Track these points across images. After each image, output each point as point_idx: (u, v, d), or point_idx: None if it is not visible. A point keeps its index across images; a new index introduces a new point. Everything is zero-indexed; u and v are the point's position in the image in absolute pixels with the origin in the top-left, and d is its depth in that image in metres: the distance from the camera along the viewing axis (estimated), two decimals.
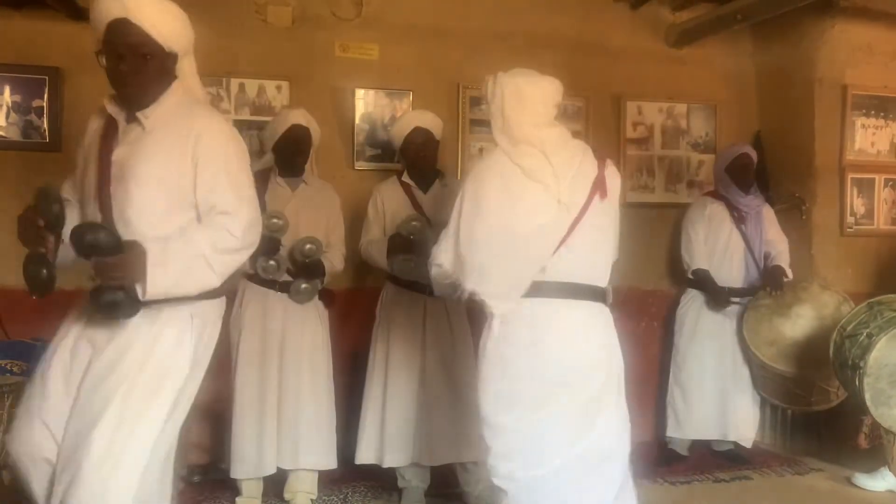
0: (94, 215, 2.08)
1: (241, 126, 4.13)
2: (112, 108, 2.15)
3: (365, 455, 3.56)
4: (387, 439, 3.50)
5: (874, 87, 4.69)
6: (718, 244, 4.18)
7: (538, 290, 2.40)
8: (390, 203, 3.64)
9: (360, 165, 4.35)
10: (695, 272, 4.15)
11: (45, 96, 3.92)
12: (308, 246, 3.44)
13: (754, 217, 4.22)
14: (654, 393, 4.57)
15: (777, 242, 4.26)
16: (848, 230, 4.70)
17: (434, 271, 2.54)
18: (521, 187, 2.43)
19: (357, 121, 4.33)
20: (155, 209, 2.07)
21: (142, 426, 2.03)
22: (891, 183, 4.81)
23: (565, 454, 2.38)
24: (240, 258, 2.16)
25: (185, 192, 2.09)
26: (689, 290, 4.29)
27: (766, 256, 4.23)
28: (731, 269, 4.18)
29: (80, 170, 2.20)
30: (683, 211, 4.47)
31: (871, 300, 3.56)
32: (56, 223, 2.05)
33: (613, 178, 2.53)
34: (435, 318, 3.56)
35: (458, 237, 2.43)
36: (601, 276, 2.49)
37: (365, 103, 4.35)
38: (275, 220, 3.37)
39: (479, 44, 4.46)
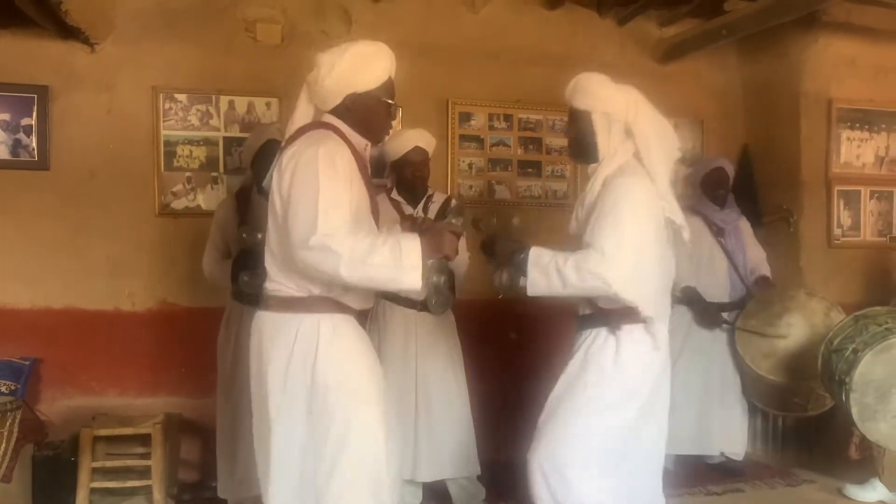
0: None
1: (231, 143, 4.15)
2: (362, 147, 2.36)
3: None
4: None
5: (858, 100, 4.75)
6: (702, 260, 4.14)
7: None
8: (380, 220, 3.63)
9: None
10: (683, 290, 4.14)
11: (34, 114, 3.91)
12: None
13: (733, 231, 4.21)
14: None
15: (756, 253, 4.27)
16: (835, 242, 4.74)
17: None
18: None
19: None
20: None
21: None
22: (876, 195, 4.86)
23: None
24: None
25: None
26: (677, 306, 4.27)
27: (752, 271, 4.23)
28: (716, 285, 4.15)
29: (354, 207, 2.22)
30: None
31: (857, 313, 3.58)
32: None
33: None
34: (426, 334, 3.55)
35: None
36: None
37: None
38: (261, 235, 3.35)
39: (468, 60, 4.49)
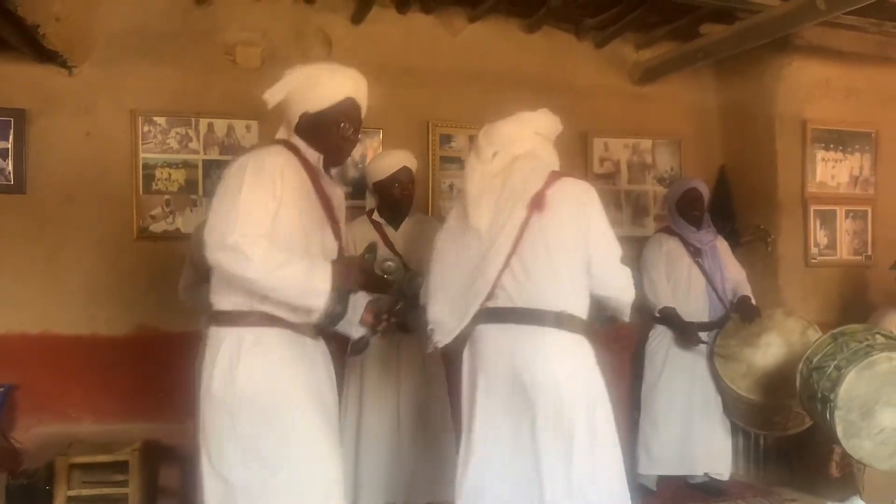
0: (332, 249, 2.39)
1: (210, 166, 4.13)
2: (318, 163, 2.41)
3: None
4: (361, 480, 3.45)
5: (832, 121, 4.82)
6: (680, 280, 4.15)
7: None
8: (362, 241, 3.61)
9: None
10: (661, 311, 4.15)
11: (10, 138, 3.88)
12: None
13: (710, 251, 4.22)
14: (626, 428, 4.56)
15: (736, 273, 4.29)
16: (812, 261, 4.79)
17: None
18: None
19: None
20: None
21: None
22: (851, 214, 4.92)
23: None
24: None
25: None
26: (658, 326, 4.28)
27: (730, 290, 4.25)
28: (695, 305, 4.16)
29: (287, 215, 2.24)
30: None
31: (835, 331, 3.60)
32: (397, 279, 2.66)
33: (562, 192, 2.50)
34: (409, 358, 3.54)
35: None
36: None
37: None
38: None
39: (448, 83, 4.52)
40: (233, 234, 2.08)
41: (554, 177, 2.54)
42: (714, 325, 4.18)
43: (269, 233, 2.15)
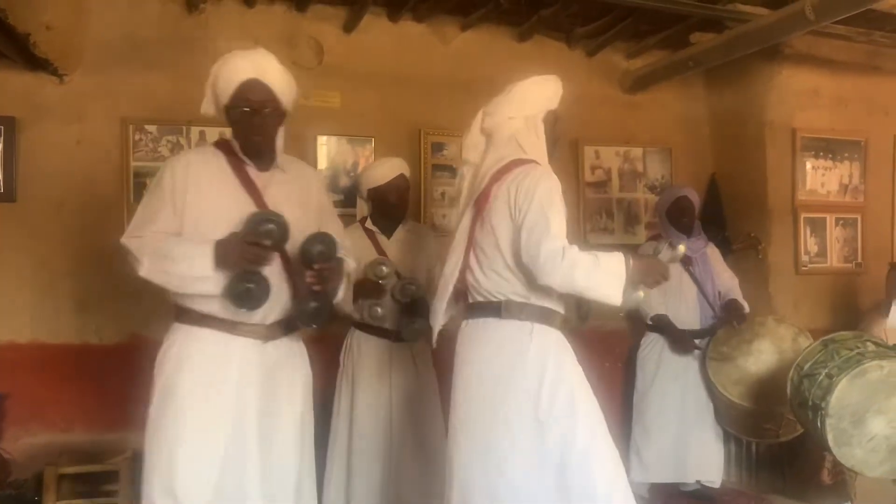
0: None
1: None
2: (244, 158, 2.43)
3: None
4: (353, 488, 3.44)
5: (822, 129, 4.85)
6: (671, 288, 4.11)
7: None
8: (354, 250, 3.59)
9: None
10: (654, 319, 4.15)
11: (1, 146, 3.86)
12: None
13: (701, 259, 4.23)
14: (618, 435, 4.56)
15: (727, 279, 4.31)
16: (802, 268, 4.81)
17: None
18: None
19: (319, 167, 4.33)
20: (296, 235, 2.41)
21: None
22: (841, 222, 4.95)
23: None
24: None
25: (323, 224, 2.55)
26: (650, 333, 4.29)
27: (722, 296, 4.26)
28: (686, 312, 4.17)
29: (196, 211, 2.36)
30: None
31: (825, 338, 3.61)
32: (281, 241, 2.31)
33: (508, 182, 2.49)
34: (401, 364, 3.53)
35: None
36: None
37: (327, 149, 4.36)
38: None
39: (439, 91, 4.53)
40: (126, 238, 2.33)
41: (507, 168, 2.53)
42: (706, 333, 4.19)
43: (164, 231, 2.32)
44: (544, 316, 2.49)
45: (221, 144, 2.49)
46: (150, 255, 2.27)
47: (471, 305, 2.58)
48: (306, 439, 2.60)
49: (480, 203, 2.54)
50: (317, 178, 2.66)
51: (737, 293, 4.25)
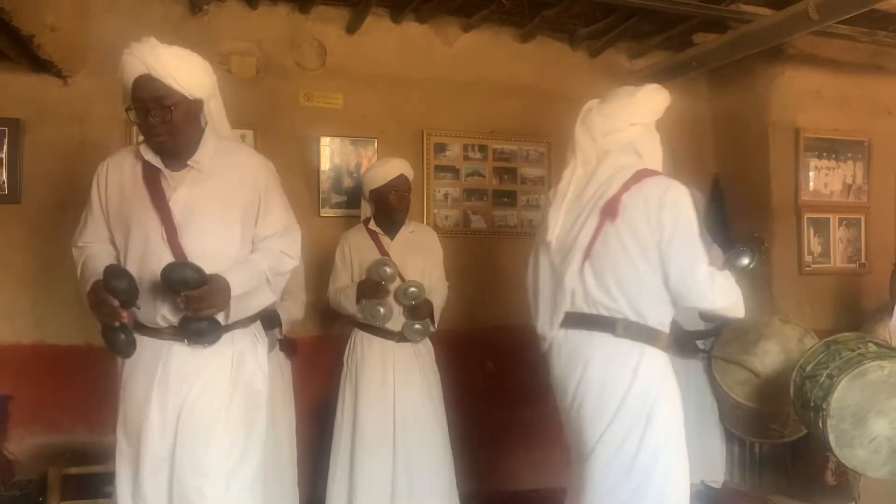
0: (165, 259, 2.25)
1: None
2: (151, 157, 2.33)
3: None
4: (357, 490, 3.45)
5: (825, 129, 4.84)
6: None
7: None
8: (358, 250, 3.64)
9: (326, 213, 4.35)
10: None
11: (5, 148, 3.87)
12: None
13: None
14: None
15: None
16: (806, 269, 4.80)
17: None
18: None
19: (323, 168, 4.34)
20: (229, 246, 2.34)
21: (250, 457, 2.39)
22: (845, 222, 4.94)
23: None
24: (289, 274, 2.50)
25: (251, 225, 2.39)
26: None
27: None
28: (689, 313, 4.16)
29: (118, 218, 2.38)
30: None
31: (828, 339, 3.60)
32: (130, 299, 2.24)
33: (640, 194, 2.42)
34: (405, 365, 3.54)
35: None
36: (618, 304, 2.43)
37: (330, 151, 4.37)
38: None
39: (442, 92, 4.54)
40: (73, 245, 2.49)
41: (636, 178, 2.46)
42: (711, 333, 4.18)
43: (94, 241, 2.42)
44: (653, 337, 2.46)
45: (137, 148, 2.40)
46: (78, 271, 2.43)
47: (575, 316, 2.51)
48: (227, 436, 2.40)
49: (608, 212, 2.44)
50: (255, 168, 2.43)
51: None
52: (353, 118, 4.41)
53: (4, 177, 3.88)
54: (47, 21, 3.53)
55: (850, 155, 4.95)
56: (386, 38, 4.47)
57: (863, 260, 4.99)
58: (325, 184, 4.35)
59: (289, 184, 4.08)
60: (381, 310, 3.48)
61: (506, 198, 4.70)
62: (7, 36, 3.37)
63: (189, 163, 2.33)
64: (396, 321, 3.55)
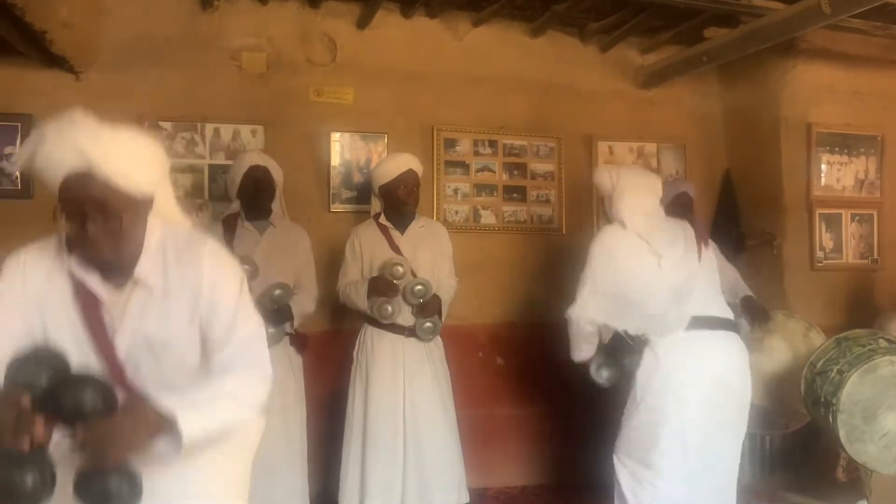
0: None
1: (216, 170, 4.15)
2: (85, 277, 1.72)
3: (348, 500, 3.51)
4: (368, 483, 3.46)
5: (837, 124, 4.81)
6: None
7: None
8: (368, 245, 3.65)
9: (336, 208, 4.36)
10: None
11: (18, 143, 3.90)
12: (277, 292, 3.40)
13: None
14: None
15: (730, 272, 4.24)
16: (818, 265, 4.77)
17: (581, 327, 3.20)
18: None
19: (333, 163, 4.35)
20: (190, 368, 1.76)
21: None
22: (857, 218, 4.91)
23: None
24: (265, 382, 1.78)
25: (209, 339, 1.76)
26: None
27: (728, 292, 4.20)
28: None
29: (40, 331, 1.72)
30: None
31: (839, 336, 3.59)
32: (50, 400, 1.49)
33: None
34: (415, 360, 3.55)
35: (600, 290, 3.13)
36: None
37: (341, 146, 4.38)
38: (244, 267, 3.34)
39: (452, 87, 4.54)
40: None
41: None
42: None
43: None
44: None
45: (68, 244, 1.76)
46: None
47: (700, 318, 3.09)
48: None
49: (702, 242, 3.34)
50: (213, 279, 1.76)
51: (742, 286, 4.19)
52: (364, 113, 4.41)
53: (17, 172, 3.91)
54: (60, 17, 3.55)
55: (862, 150, 4.91)
56: (396, 33, 4.47)
57: (875, 256, 4.96)
58: (335, 179, 4.36)
59: (299, 179, 4.15)
60: (389, 308, 3.49)
61: (516, 193, 4.70)
62: (20, 31, 3.39)
63: (135, 276, 1.72)
64: (406, 316, 3.56)
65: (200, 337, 1.75)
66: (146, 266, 1.73)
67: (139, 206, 1.71)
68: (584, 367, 3.37)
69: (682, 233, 3.28)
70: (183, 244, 1.79)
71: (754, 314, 4.01)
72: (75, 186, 1.62)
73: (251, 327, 1.80)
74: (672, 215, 4.17)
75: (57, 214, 1.67)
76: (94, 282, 1.71)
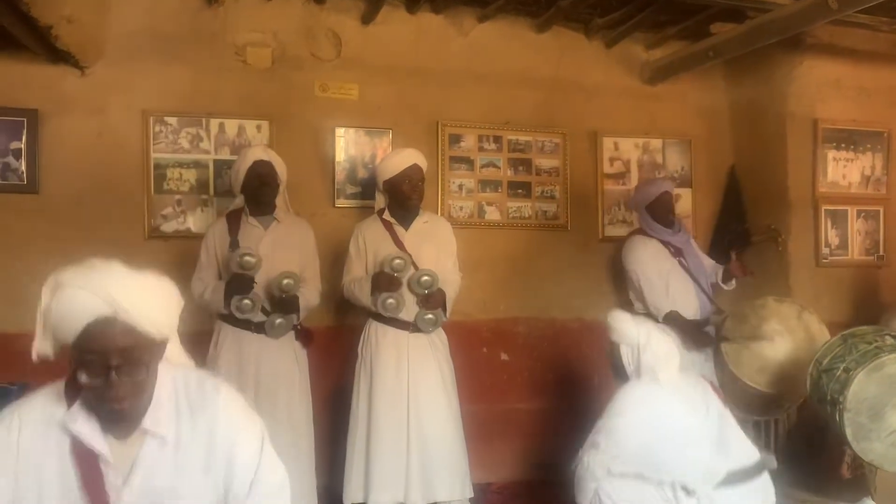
0: None
1: (221, 165, 4.15)
2: (86, 431, 1.58)
3: (353, 494, 3.51)
4: (373, 477, 3.47)
5: (843, 120, 4.79)
6: (670, 283, 4.07)
7: None
8: (372, 240, 3.65)
9: (341, 203, 4.36)
10: (667, 317, 4.01)
11: (24, 138, 3.91)
12: (286, 281, 3.41)
13: (688, 251, 4.18)
14: None
15: (710, 266, 4.28)
16: (823, 261, 4.76)
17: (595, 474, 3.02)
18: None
19: (338, 159, 4.35)
20: None
21: None
22: (863, 214, 4.89)
23: None
24: None
25: (231, 492, 1.68)
26: None
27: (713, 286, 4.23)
28: (686, 306, 4.07)
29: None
30: None
31: (845, 333, 3.57)
32: None
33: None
34: (419, 355, 3.55)
35: None
36: None
37: (345, 142, 4.38)
38: (247, 258, 3.35)
39: (457, 82, 4.53)
40: None
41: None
42: (706, 324, 4.14)
43: None
44: None
45: (70, 393, 1.63)
46: None
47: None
48: None
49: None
50: (231, 434, 1.68)
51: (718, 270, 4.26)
52: (368, 109, 4.41)
53: (23, 167, 3.92)
54: (65, 12, 3.56)
55: (868, 146, 4.89)
56: (401, 28, 4.47)
57: (881, 252, 4.94)
58: (339, 175, 4.36)
59: (304, 175, 4.15)
60: (392, 301, 3.49)
61: (520, 189, 4.69)
62: (25, 27, 3.40)
63: (144, 427, 1.61)
64: (410, 311, 3.56)
65: (223, 487, 1.66)
66: (158, 415, 1.62)
67: (159, 352, 1.63)
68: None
69: (700, 382, 3.27)
70: (195, 391, 1.69)
71: (736, 271, 4.17)
72: (99, 335, 1.51)
73: (276, 480, 1.73)
74: (656, 217, 4.18)
75: (78, 372, 1.54)
76: (94, 434, 1.58)
